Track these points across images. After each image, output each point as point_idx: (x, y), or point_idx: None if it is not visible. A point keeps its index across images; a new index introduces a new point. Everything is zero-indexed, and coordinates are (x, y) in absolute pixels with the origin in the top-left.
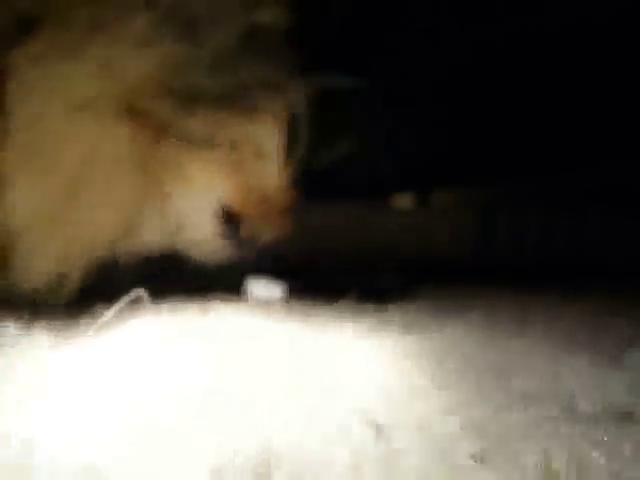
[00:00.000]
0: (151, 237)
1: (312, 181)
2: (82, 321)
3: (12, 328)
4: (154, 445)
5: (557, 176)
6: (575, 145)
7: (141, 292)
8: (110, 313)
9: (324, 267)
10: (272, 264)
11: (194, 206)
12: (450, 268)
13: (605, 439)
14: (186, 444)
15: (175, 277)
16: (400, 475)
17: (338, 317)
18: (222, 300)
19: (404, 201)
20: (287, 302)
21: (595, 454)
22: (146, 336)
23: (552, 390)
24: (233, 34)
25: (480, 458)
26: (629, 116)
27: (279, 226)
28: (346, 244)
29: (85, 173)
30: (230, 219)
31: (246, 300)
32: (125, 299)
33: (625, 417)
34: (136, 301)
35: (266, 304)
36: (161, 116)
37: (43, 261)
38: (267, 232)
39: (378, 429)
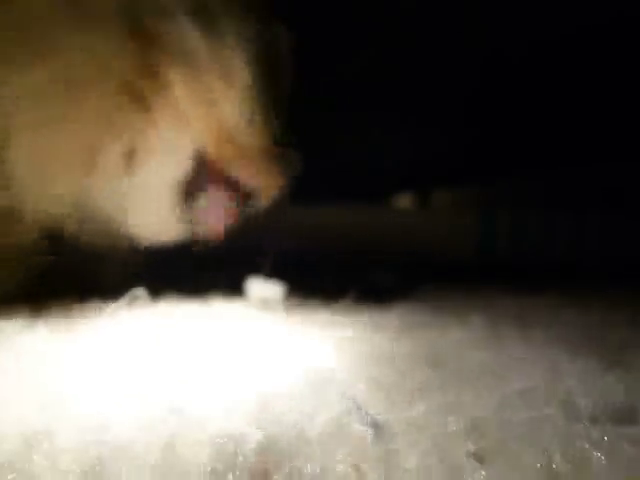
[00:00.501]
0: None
1: (311, 181)
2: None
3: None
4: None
5: (557, 176)
6: (575, 145)
7: (139, 289)
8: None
9: (323, 267)
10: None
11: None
12: (450, 268)
13: (605, 439)
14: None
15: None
16: (399, 475)
17: (337, 317)
18: (220, 299)
19: (404, 201)
20: (286, 302)
21: (595, 454)
22: (137, 331)
23: (552, 390)
24: None
25: (480, 458)
26: (629, 116)
27: (271, 182)
28: (345, 244)
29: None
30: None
31: (245, 299)
32: (127, 297)
33: (625, 417)
34: (133, 298)
35: (264, 303)
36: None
37: None
38: (259, 194)
39: (377, 428)
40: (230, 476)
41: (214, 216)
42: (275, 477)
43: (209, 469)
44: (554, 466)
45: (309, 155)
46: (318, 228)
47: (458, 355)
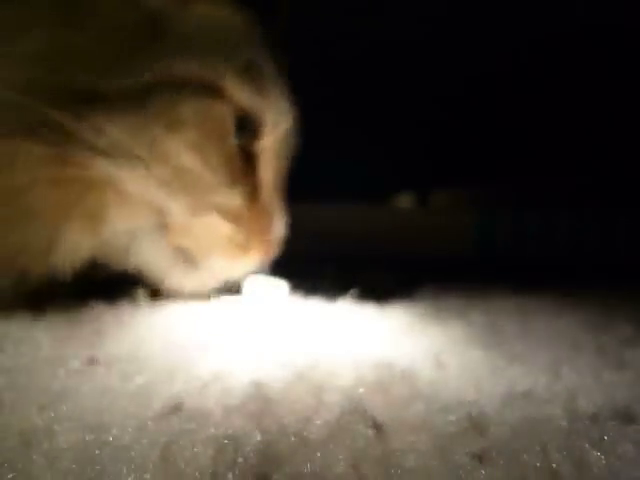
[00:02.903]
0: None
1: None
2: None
3: None
4: None
5: (557, 176)
6: (575, 144)
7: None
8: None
9: (322, 267)
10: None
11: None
12: (450, 268)
13: (605, 439)
14: None
15: None
16: (399, 475)
17: (337, 316)
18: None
19: (404, 201)
20: (286, 301)
21: (595, 454)
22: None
23: (552, 389)
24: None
25: (480, 458)
26: (628, 117)
27: (258, 252)
28: (345, 244)
29: None
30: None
31: (245, 298)
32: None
33: (626, 417)
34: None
35: (264, 303)
36: (62, 125)
37: None
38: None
39: (377, 428)
40: (230, 476)
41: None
42: (275, 477)
43: (210, 470)
44: (554, 466)
45: (309, 155)
46: (318, 228)
47: (458, 354)
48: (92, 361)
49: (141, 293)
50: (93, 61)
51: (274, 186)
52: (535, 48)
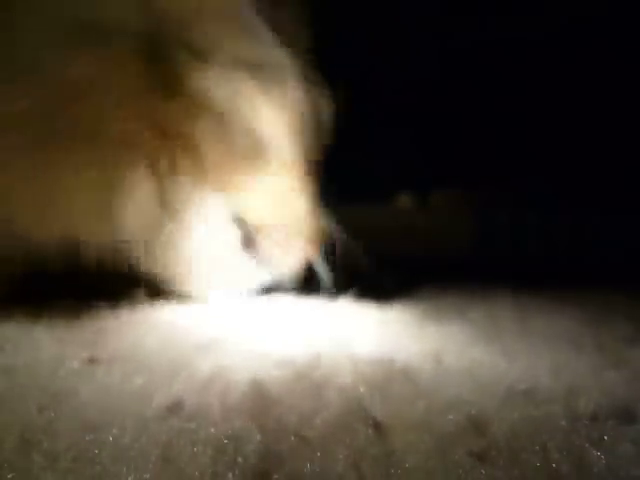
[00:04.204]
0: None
1: None
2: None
3: None
4: None
5: (557, 176)
6: (574, 144)
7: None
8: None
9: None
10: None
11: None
12: (450, 268)
13: (605, 438)
14: None
15: None
16: (399, 475)
17: (337, 316)
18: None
19: (404, 201)
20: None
21: (595, 453)
22: None
23: (552, 389)
24: None
25: (480, 457)
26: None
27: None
28: (345, 243)
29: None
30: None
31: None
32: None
33: (625, 416)
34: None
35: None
36: (174, 67)
37: None
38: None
39: (377, 427)
40: (230, 476)
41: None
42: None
43: (210, 470)
44: (554, 465)
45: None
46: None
47: (457, 354)
48: (92, 361)
49: (141, 293)
50: None
51: None
52: (535, 48)
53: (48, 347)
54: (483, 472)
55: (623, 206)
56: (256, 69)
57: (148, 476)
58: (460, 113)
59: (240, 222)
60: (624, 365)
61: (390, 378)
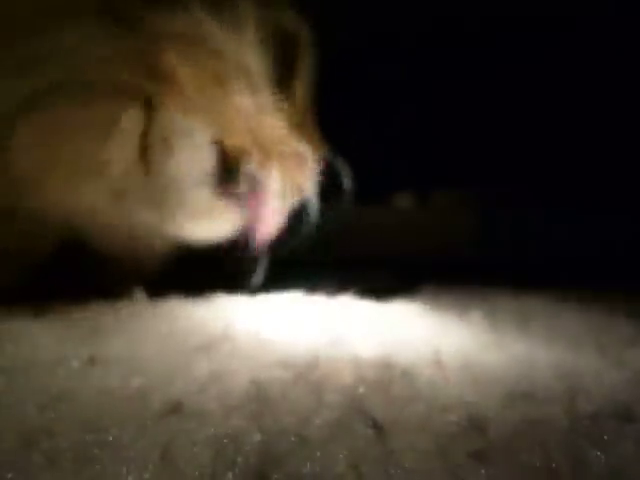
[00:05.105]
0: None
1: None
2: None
3: None
4: None
5: (557, 176)
6: (575, 144)
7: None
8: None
9: (322, 267)
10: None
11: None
12: (450, 268)
13: (605, 438)
14: None
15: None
16: (399, 475)
17: (337, 316)
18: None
19: (404, 201)
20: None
21: (595, 453)
22: None
23: (552, 389)
24: None
25: (480, 457)
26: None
27: (297, 176)
28: (345, 243)
29: None
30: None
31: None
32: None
33: (625, 416)
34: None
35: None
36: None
37: None
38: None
39: (377, 428)
40: (230, 476)
41: (265, 216)
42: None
43: (209, 470)
44: (554, 465)
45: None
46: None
47: (457, 354)
48: (92, 361)
49: (141, 293)
50: None
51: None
52: (535, 48)
53: (48, 347)
54: (483, 472)
55: (623, 206)
56: None
57: (148, 476)
58: (460, 113)
59: (219, 149)
60: (624, 365)
61: (390, 378)
